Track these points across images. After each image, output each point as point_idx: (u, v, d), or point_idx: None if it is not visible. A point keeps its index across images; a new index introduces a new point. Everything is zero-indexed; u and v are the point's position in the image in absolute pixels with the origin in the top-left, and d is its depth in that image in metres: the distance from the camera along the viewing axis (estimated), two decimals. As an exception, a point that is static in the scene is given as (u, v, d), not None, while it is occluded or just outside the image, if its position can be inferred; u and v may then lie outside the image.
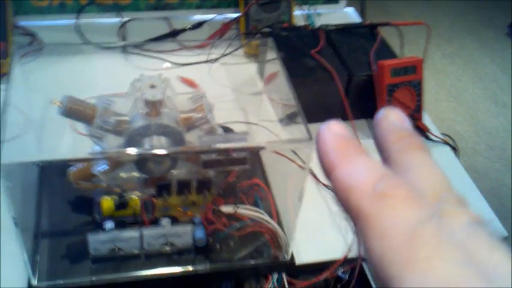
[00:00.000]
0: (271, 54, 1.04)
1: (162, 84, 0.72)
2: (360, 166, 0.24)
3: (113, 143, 0.73)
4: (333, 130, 0.26)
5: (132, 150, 0.67)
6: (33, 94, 0.94)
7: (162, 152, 0.68)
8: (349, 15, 1.33)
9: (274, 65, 1.02)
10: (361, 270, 0.80)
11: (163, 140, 0.73)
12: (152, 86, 0.72)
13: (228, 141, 0.73)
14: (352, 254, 0.82)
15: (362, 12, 2.12)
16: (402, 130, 0.27)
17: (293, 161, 0.94)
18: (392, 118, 0.27)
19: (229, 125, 0.92)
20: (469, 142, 2.32)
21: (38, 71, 1.03)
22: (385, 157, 0.26)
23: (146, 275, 0.73)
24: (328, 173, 0.25)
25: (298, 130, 1.02)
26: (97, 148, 0.73)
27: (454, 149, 1.05)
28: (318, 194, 0.91)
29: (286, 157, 0.76)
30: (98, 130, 0.71)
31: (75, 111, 0.70)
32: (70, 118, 0.71)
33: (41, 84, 1.00)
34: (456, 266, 0.20)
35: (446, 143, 1.04)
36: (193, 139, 0.76)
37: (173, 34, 1.16)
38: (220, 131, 0.77)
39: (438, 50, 2.80)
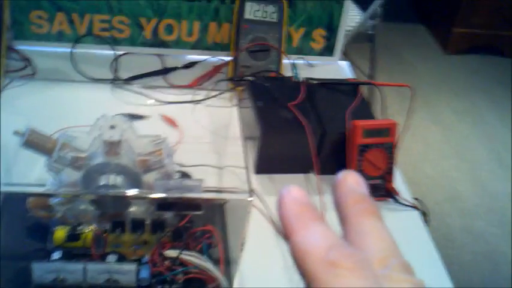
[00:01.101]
0: (249, 102, 1.07)
1: (122, 125, 0.75)
2: (315, 233, 0.26)
3: (70, 177, 0.76)
4: (293, 195, 0.28)
5: (84, 191, 0.70)
6: (17, 119, 0.97)
7: (111, 194, 0.71)
8: (343, 69, 1.35)
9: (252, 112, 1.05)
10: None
11: (119, 179, 0.75)
12: (112, 127, 0.75)
13: (181, 187, 0.75)
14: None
15: (372, 66, 2.15)
16: (358, 194, 0.29)
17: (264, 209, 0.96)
18: (350, 181, 0.29)
19: (195, 168, 0.94)
20: (469, 203, 2.30)
21: (26, 96, 1.07)
22: (342, 218, 0.28)
23: (87, 309, 0.75)
24: (287, 236, 0.27)
25: (268, 180, 1.04)
26: (53, 181, 0.76)
27: (425, 214, 1.06)
28: (277, 246, 0.92)
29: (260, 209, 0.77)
30: (55, 164, 0.74)
31: (35, 144, 0.73)
32: (30, 150, 0.74)
33: (26, 110, 1.04)
34: None
35: (415, 208, 1.05)
36: (151, 180, 0.79)
37: (163, 72, 1.19)
38: (177, 175, 0.80)
39: (448, 105, 2.81)
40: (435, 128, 2.66)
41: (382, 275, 0.25)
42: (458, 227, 2.18)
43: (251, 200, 0.66)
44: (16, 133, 0.73)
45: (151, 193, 0.72)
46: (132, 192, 0.72)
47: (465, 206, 2.29)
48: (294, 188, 0.28)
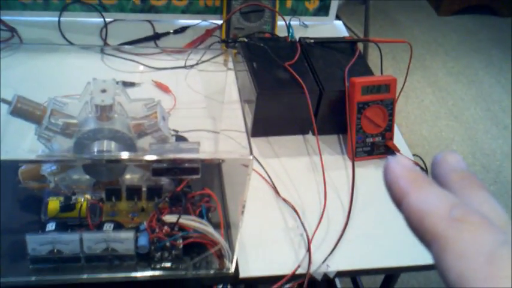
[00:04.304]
0: (243, 65, 1.04)
1: (113, 89, 0.72)
2: (432, 194, 0.27)
3: (62, 145, 0.73)
4: (401, 163, 0.29)
5: (75, 156, 0.68)
6: (4, 90, 0.94)
7: (106, 158, 0.68)
8: (338, 28, 1.32)
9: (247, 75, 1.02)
10: (309, 286, 0.80)
11: (113, 145, 0.73)
12: (103, 91, 0.72)
13: (178, 151, 0.73)
14: (301, 270, 0.81)
15: (366, 27, 2.11)
16: (462, 171, 0.29)
17: (258, 173, 0.94)
18: (451, 160, 0.30)
19: (191, 134, 0.92)
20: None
21: (13, 67, 1.03)
22: None
23: (85, 279, 0.73)
24: (398, 199, 0.28)
25: (264, 142, 1.02)
26: (45, 149, 0.73)
27: (426, 171, 1.04)
28: (276, 208, 0.91)
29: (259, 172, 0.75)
30: (45, 131, 0.71)
31: (23, 111, 0.70)
32: (18, 117, 0.71)
33: (14, 81, 1.01)
34: None
35: (416, 164, 1.03)
36: (145, 146, 0.76)
37: (154, 37, 1.16)
38: (173, 139, 0.77)
39: (444, 67, 2.78)
40: (430, 89, 2.63)
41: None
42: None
43: (252, 158, 0.63)
44: (3, 101, 0.70)
45: (145, 155, 0.69)
46: (126, 155, 0.70)
47: (462, 166, 2.27)
48: (402, 157, 0.29)
